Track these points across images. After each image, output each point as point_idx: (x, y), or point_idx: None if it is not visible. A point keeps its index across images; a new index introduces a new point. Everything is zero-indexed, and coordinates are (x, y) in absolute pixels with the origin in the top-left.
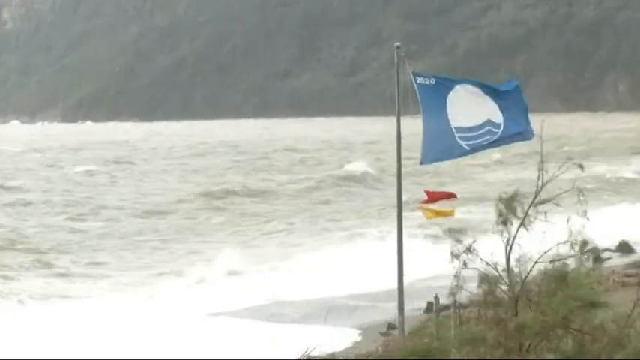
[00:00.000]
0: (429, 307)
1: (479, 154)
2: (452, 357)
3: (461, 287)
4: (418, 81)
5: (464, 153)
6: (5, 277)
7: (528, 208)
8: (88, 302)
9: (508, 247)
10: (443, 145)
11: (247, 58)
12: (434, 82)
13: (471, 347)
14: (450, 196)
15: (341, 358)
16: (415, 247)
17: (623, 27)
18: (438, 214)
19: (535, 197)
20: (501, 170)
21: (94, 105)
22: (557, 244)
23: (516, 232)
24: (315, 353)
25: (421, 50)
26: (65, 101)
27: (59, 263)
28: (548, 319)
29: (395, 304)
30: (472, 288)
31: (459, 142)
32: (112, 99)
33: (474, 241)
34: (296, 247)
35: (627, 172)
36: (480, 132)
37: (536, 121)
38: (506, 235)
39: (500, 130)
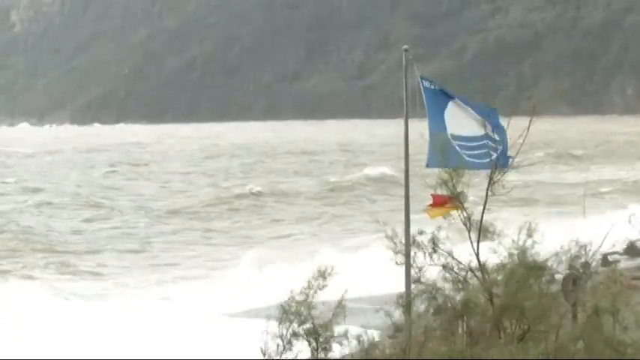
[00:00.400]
0: (437, 309)
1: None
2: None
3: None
4: (425, 85)
5: (465, 163)
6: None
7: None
8: (111, 302)
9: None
10: (445, 150)
11: (256, 60)
12: (438, 89)
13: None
14: (454, 199)
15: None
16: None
17: (631, 30)
18: (440, 212)
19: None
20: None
21: (102, 107)
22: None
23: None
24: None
25: (429, 53)
26: (73, 103)
27: (90, 264)
28: None
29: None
30: None
31: (459, 150)
32: (120, 101)
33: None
34: (316, 249)
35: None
36: (480, 143)
37: (543, 124)
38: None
39: (501, 149)
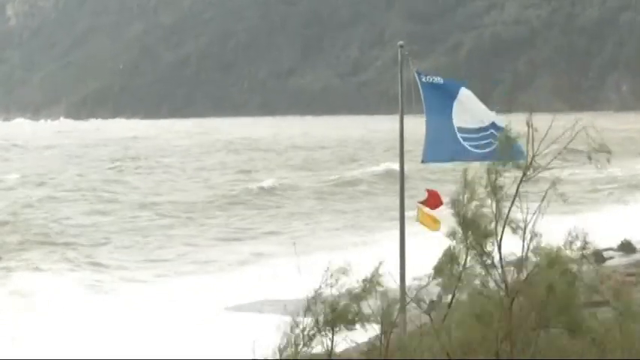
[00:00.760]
0: (431, 306)
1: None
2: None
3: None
4: (423, 80)
5: (467, 155)
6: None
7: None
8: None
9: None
10: (446, 144)
11: (251, 56)
12: (441, 82)
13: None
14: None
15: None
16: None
17: (626, 27)
18: (427, 219)
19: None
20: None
21: (97, 102)
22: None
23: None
24: (315, 351)
25: (424, 50)
26: (69, 98)
27: (108, 258)
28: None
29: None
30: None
31: (463, 143)
32: (115, 96)
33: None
34: (330, 245)
35: None
36: (484, 134)
37: (539, 120)
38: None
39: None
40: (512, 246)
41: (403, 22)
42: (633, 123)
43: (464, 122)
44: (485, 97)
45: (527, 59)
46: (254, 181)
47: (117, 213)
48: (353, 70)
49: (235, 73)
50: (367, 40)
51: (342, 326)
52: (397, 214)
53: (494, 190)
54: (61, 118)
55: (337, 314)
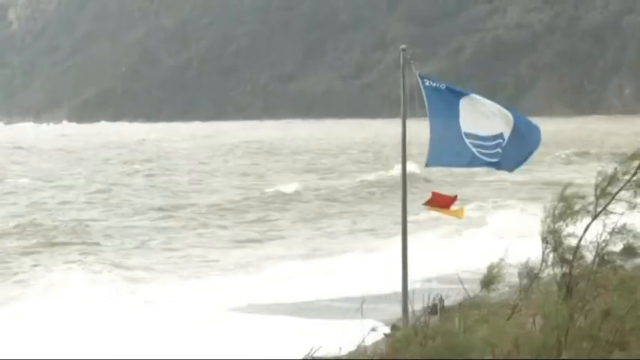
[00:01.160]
0: (433, 308)
1: (487, 168)
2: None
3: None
4: (426, 84)
5: (475, 161)
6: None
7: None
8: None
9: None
10: (452, 148)
11: (252, 59)
12: (444, 87)
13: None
14: (453, 200)
15: (345, 359)
16: (419, 247)
17: (628, 31)
18: (444, 211)
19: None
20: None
21: (99, 106)
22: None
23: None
24: (319, 354)
25: (426, 53)
26: (70, 102)
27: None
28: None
29: (399, 306)
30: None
31: (471, 148)
32: (117, 100)
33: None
34: (346, 249)
35: None
36: (494, 142)
37: (540, 123)
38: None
39: (504, 144)
40: None
41: (405, 25)
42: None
43: (473, 128)
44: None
45: (529, 63)
46: (270, 185)
47: (143, 215)
48: (355, 74)
49: (237, 77)
50: (369, 43)
51: None
52: (417, 217)
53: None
54: (64, 122)
55: None
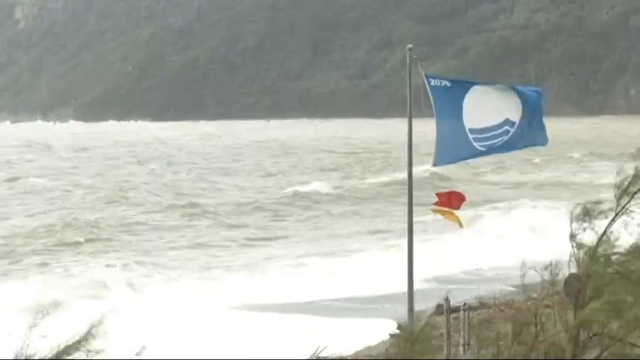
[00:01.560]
0: (439, 308)
1: (491, 156)
2: None
3: None
4: (432, 83)
5: (477, 154)
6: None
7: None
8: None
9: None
10: (456, 146)
11: (259, 59)
12: (449, 85)
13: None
14: (461, 198)
15: (350, 359)
16: (425, 248)
17: (635, 31)
18: (448, 215)
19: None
20: (507, 173)
21: (106, 104)
22: None
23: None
24: (324, 354)
25: (433, 53)
26: (77, 100)
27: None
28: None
29: (405, 305)
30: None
31: (474, 143)
32: (123, 98)
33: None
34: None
35: None
36: (497, 132)
37: (547, 123)
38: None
39: (514, 129)
40: None
41: (411, 24)
42: None
43: (474, 123)
44: None
45: (535, 63)
46: (295, 184)
47: (170, 213)
48: (361, 73)
49: (243, 76)
50: (376, 42)
51: None
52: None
53: None
54: (70, 121)
55: None
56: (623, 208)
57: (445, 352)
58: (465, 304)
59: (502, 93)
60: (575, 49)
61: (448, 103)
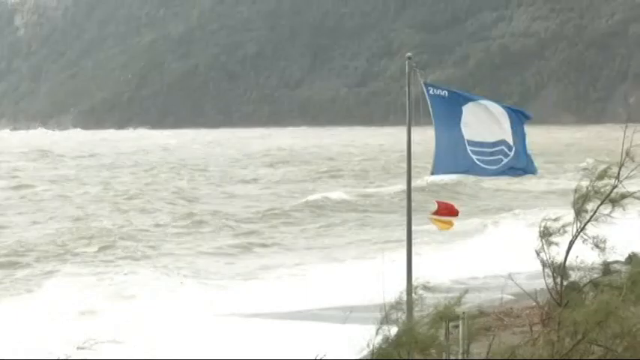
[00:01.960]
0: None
1: (490, 177)
2: None
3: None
4: (430, 92)
5: (475, 170)
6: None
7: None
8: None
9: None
10: (455, 156)
11: (259, 66)
12: (447, 95)
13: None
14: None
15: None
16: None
17: (634, 39)
18: (445, 224)
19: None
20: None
21: (105, 112)
22: None
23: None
24: None
25: (432, 61)
26: (77, 108)
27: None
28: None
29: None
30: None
31: (472, 155)
32: (123, 106)
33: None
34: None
35: None
36: (494, 149)
37: (549, 132)
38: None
39: (512, 154)
40: None
41: (411, 32)
42: None
43: (473, 135)
44: None
45: (535, 71)
46: (310, 192)
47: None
48: (361, 81)
49: (243, 84)
50: (375, 50)
51: None
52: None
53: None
54: (71, 128)
55: None
56: (584, 227)
57: None
58: (463, 312)
59: (497, 114)
60: (575, 57)
61: (447, 112)
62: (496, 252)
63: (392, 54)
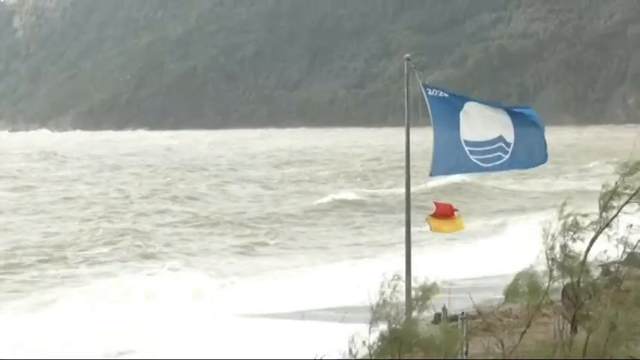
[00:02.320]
0: (437, 317)
1: (489, 173)
2: None
3: None
4: (429, 93)
5: (474, 168)
6: None
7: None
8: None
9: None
10: (453, 157)
11: (257, 68)
12: (447, 96)
13: None
14: (452, 209)
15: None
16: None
17: (633, 40)
18: (444, 226)
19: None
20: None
21: (104, 113)
22: None
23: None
24: None
25: (431, 62)
26: (75, 109)
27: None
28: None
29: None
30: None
31: (470, 156)
32: (122, 107)
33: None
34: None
35: None
36: (492, 147)
37: (548, 132)
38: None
39: (511, 150)
40: None
41: (410, 33)
42: None
43: (471, 136)
44: None
45: (533, 72)
46: (325, 193)
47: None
48: (360, 82)
49: (242, 85)
50: (374, 51)
51: None
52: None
53: None
54: (73, 130)
55: None
56: (609, 222)
57: None
58: (462, 312)
59: (495, 112)
60: (573, 58)
61: (445, 113)
62: (499, 252)
63: (390, 55)
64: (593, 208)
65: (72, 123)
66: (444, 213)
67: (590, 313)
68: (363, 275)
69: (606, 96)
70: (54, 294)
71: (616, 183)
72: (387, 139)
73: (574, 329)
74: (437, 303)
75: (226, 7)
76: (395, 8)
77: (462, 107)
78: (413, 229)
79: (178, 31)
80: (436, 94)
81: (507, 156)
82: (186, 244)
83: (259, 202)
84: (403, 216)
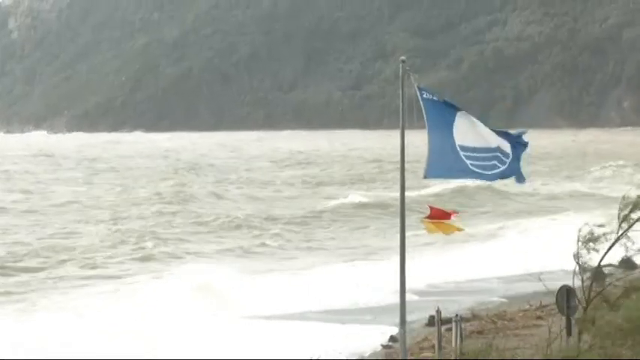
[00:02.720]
0: (431, 320)
1: (484, 180)
2: None
3: None
4: (424, 96)
5: (469, 173)
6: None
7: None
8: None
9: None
10: (448, 160)
11: (253, 70)
12: (442, 100)
13: None
14: (449, 214)
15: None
16: (417, 260)
17: (628, 44)
18: (441, 228)
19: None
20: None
21: (99, 115)
22: None
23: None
24: None
25: (426, 64)
26: (71, 111)
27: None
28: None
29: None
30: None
31: (465, 160)
32: (117, 109)
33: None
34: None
35: None
36: (488, 155)
37: (541, 136)
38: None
39: (509, 161)
40: None
41: (406, 36)
42: None
43: (466, 141)
44: (485, 113)
45: (528, 75)
46: (331, 197)
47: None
48: (355, 84)
49: (237, 87)
50: (369, 54)
51: None
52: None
53: None
54: (69, 132)
55: None
56: (625, 232)
57: None
58: (456, 315)
59: (486, 128)
60: (568, 61)
61: (440, 117)
62: (496, 256)
63: (386, 57)
64: (600, 212)
65: (67, 125)
66: (439, 216)
67: (585, 316)
68: (363, 276)
69: (601, 99)
70: (54, 294)
71: (638, 197)
72: (386, 140)
73: (568, 332)
74: (432, 306)
75: (222, 9)
76: (391, 11)
77: (458, 112)
78: (414, 232)
79: (174, 34)
80: (431, 97)
81: (504, 167)
82: (186, 244)
83: (259, 203)
84: (410, 220)
